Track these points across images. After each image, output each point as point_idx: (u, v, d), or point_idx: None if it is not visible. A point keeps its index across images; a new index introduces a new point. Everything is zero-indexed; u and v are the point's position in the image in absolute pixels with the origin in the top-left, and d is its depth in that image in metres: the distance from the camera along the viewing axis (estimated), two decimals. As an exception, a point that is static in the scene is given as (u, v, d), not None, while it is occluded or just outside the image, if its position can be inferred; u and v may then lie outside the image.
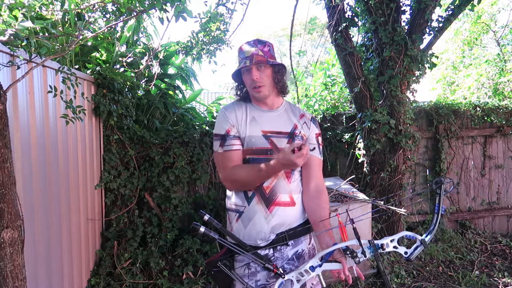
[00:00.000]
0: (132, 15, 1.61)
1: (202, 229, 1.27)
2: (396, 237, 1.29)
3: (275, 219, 1.46)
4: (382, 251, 1.27)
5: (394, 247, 1.28)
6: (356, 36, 4.07)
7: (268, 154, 1.47)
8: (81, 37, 1.69)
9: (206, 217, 1.32)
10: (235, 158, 1.48)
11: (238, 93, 1.58)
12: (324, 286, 1.31)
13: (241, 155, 1.49)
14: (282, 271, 1.29)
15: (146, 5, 1.51)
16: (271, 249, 1.47)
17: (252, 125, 1.50)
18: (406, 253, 1.28)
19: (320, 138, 1.59)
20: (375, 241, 1.28)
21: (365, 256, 1.27)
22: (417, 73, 3.61)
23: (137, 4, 1.53)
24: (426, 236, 1.30)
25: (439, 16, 3.60)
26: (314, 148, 1.51)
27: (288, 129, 1.52)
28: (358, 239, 1.27)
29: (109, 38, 3.79)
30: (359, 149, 3.89)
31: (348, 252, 1.28)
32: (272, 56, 1.50)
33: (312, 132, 1.56)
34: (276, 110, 1.55)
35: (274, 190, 1.47)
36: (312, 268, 1.27)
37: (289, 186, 1.49)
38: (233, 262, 1.48)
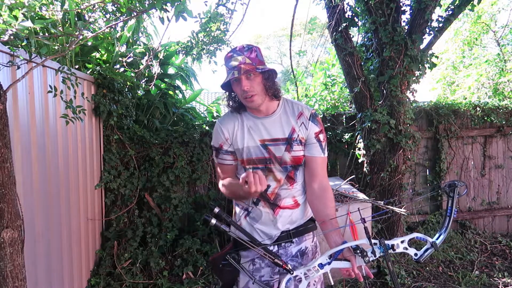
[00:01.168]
0: (132, 15, 1.61)
1: (213, 221, 1.27)
2: (406, 238, 1.28)
3: (281, 221, 1.49)
4: (392, 251, 1.26)
5: (405, 248, 1.27)
6: (356, 36, 4.06)
7: (267, 163, 1.47)
8: (81, 37, 1.69)
9: (216, 210, 1.31)
10: (226, 171, 1.56)
11: (231, 103, 1.53)
12: (332, 283, 1.32)
13: (233, 169, 1.56)
14: (290, 267, 1.29)
15: (146, 5, 1.51)
16: (276, 246, 1.49)
17: (249, 135, 1.48)
18: (416, 254, 1.27)
19: (321, 136, 1.52)
20: (386, 241, 1.27)
21: (375, 256, 1.26)
22: (417, 73, 3.61)
23: (137, 4, 1.53)
24: (437, 239, 1.28)
25: (439, 16, 3.60)
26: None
27: (286, 135, 1.48)
28: (369, 238, 1.26)
29: (109, 38, 3.79)
30: (359, 149, 3.89)
31: (358, 251, 1.27)
32: (261, 62, 1.43)
33: (310, 131, 1.50)
34: (272, 114, 1.49)
35: (278, 196, 1.49)
36: (321, 266, 1.28)
37: (292, 190, 1.50)
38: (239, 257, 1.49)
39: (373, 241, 1.26)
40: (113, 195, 3.34)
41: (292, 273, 1.28)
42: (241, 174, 1.52)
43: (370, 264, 3.21)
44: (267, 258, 1.31)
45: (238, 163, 1.55)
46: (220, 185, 1.58)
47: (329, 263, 1.28)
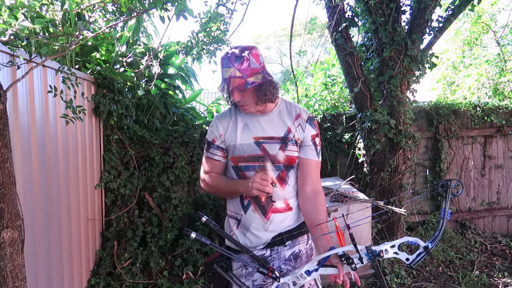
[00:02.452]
0: (132, 15, 1.61)
1: (193, 235, 1.25)
2: (396, 242, 1.23)
3: (273, 226, 1.47)
4: (379, 258, 1.22)
5: (395, 253, 1.23)
6: (356, 36, 4.06)
7: (260, 161, 1.46)
8: (81, 37, 1.69)
9: (204, 219, 1.31)
10: (214, 167, 1.56)
11: (229, 100, 1.55)
12: None
13: (220, 166, 1.56)
14: (277, 275, 1.26)
15: (146, 5, 1.50)
16: (268, 250, 1.47)
17: (244, 132, 1.48)
18: (407, 259, 1.22)
19: (317, 139, 1.53)
20: (374, 247, 1.22)
21: (362, 263, 1.22)
22: (417, 73, 3.61)
23: (137, 4, 1.52)
24: (430, 243, 1.22)
25: (439, 16, 3.60)
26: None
27: (281, 134, 1.47)
28: (355, 245, 1.22)
29: (109, 38, 3.79)
30: (359, 149, 3.89)
31: (343, 259, 1.24)
32: (253, 70, 1.37)
33: (307, 134, 1.50)
34: (269, 113, 1.50)
35: (269, 198, 1.47)
36: (308, 273, 1.25)
37: (283, 192, 1.48)
38: (231, 262, 1.48)
39: (359, 247, 1.22)
40: (113, 195, 3.34)
41: (279, 281, 1.25)
42: (230, 174, 1.53)
43: (370, 264, 3.20)
44: (252, 267, 1.30)
45: (229, 162, 1.54)
46: (202, 178, 1.58)
47: (316, 270, 1.25)
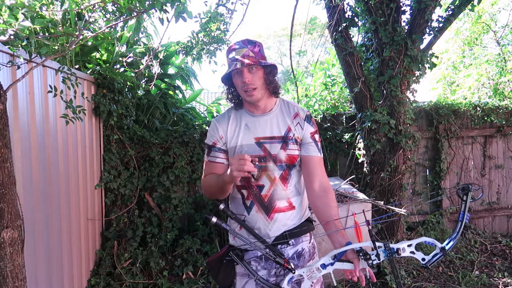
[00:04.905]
0: (132, 15, 1.61)
1: (214, 219, 1.26)
2: (414, 242, 1.24)
3: (276, 225, 1.47)
4: (397, 256, 1.22)
5: (411, 252, 1.23)
6: (356, 36, 4.07)
7: (262, 161, 1.46)
8: (81, 37, 1.69)
9: (222, 206, 1.31)
10: (216, 169, 1.53)
11: (230, 96, 1.54)
12: (335, 284, 1.30)
13: (223, 168, 1.52)
14: (292, 266, 1.28)
15: (146, 6, 1.50)
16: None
17: (245, 133, 1.49)
18: (423, 259, 1.23)
19: (316, 136, 1.54)
20: (392, 245, 1.23)
21: (379, 260, 1.22)
22: (417, 73, 3.61)
23: (137, 4, 1.52)
24: (447, 244, 1.23)
25: (439, 16, 3.60)
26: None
27: (282, 133, 1.48)
28: (373, 241, 1.22)
29: (109, 38, 3.79)
30: (359, 149, 3.89)
31: (361, 254, 1.24)
32: (263, 57, 1.46)
33: (306, 131, 1.51)
34: (269, 113, 1.51)
35: (272, 198, 1.47)
36: (324, 266, 1.25)
37: (286, 191, 1.49)
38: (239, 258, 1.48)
39: (377, 244, 1.22)
40: (113, 195, 3.34)
41: (294, 272, 1.26)
42: None
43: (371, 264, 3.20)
44: (269, 256, 1.31)
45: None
46: (202, 182, 1.58)
47: (332, 264, 1.26)
